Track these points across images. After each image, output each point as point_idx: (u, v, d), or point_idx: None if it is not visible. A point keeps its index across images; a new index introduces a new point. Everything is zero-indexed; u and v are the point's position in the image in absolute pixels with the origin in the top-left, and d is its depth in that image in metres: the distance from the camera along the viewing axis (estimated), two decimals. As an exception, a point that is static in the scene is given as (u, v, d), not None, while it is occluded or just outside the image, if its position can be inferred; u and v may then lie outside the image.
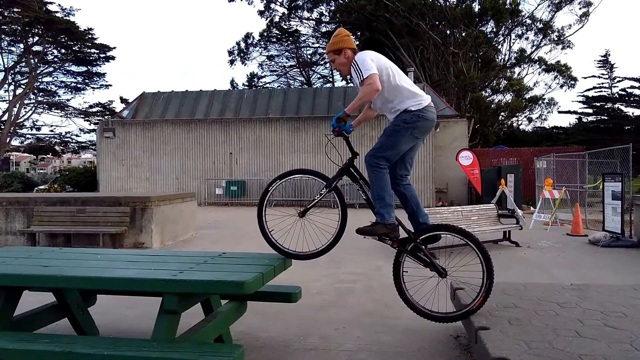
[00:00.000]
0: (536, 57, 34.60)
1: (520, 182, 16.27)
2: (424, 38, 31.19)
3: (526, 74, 36.71)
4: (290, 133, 20.76)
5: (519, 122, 39.23)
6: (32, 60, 31.81)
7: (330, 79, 44.01)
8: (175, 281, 2.84)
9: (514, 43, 34.46)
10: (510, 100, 33.76)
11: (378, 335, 4.02)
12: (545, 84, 42.33)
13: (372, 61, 3.42)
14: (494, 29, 32.78)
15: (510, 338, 2.90)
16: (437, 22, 31.85)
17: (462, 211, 8.63)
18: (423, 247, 3.62)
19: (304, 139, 20.62)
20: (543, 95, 35.90)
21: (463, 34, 30.62)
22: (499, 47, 34.30)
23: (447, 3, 30.83)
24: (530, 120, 38.61)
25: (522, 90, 33.79)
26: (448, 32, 32.09)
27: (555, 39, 33.13)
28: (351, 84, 40.31)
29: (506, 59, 34.93)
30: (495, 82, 35.27)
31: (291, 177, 3.73)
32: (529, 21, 32.56)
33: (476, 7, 30.77)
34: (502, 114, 34.72)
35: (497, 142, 32.66)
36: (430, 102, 3.57)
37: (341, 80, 43.85)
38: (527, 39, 34.15)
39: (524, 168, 18.71)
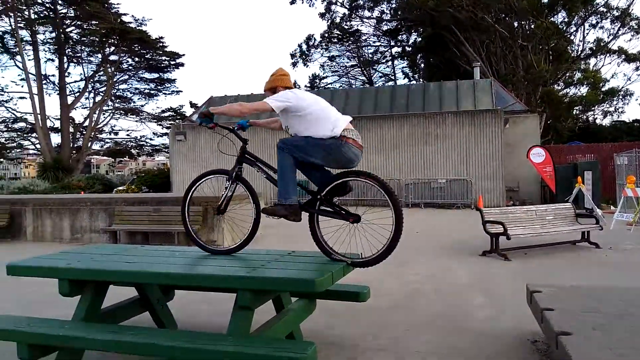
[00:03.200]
0: (615, 47, 32.43)
1: (598, 180, 15.33)
2: (490, 31, 30.10)
3: (602, 65, 34.53)
4: (353, 133, 20.72)
5: (595, 116, 36.96)
6: (109, 69, 33.87)
7: (392, 77, 43.56)
8: (249, 278, 2.93)
9: (587, 33, 32.56)
10: (585, 94, 31.86)
11: (449, 338, 3.93)
12: (625, 75, 39.49)
13: (290, 100, 3.41)
14: (566, 19, 31.08)
15: (594, 344, 2.74)
16: (503, 15, 30.64)
17: (537, 210, 8.26)
18: (328, 199, 3.48)
19: (366, 138, 20.51)
20: (620, 87, 33.58)
21: (532, 26, 29.25)
22: (572, 37, 32.49)
23: (515, -6, 29.58)
24: (606, 114, 36.25)
25: (597, 82, 31.77)
26: (515, 24, 30.78)
27: (635, 26, 30.87)
28: (413, 81, 39.76)
29: (579, 50, 33.03)
30: (568, 74, 33.41)
31: (204, 180, 3.86)
32: (604, 9, 30.60)
33: (546, -3, 29.34)
34: (577, 108, 32.83)
35: (572, 138, 30.92)
36: (359, 144, 3.45)
37: (403, 78, 43.31)
38: (602, 27, 32.12)
39: (602, 165, 17.62)
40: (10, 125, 34.04)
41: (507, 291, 5.48)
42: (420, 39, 38.82)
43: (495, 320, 4.38)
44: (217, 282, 3.07)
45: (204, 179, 3.89)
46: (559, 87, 33.12)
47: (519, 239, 7.59)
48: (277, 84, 3.71)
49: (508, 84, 28.53)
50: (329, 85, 43.20)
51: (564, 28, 31.46)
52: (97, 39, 32.21)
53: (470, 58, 29.80)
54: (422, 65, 41.79)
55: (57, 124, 33.62)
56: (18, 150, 36.52)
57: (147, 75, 35.96)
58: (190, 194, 3.85)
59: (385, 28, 40.59)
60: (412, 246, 8.77)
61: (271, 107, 3.40)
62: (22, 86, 33.16)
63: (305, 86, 43.86)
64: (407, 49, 41.50)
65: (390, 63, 43.68)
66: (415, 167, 19.60)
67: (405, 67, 43.61)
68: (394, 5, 38.24)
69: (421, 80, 39.65)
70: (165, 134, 35.64)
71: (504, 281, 6.02)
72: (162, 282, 3.55)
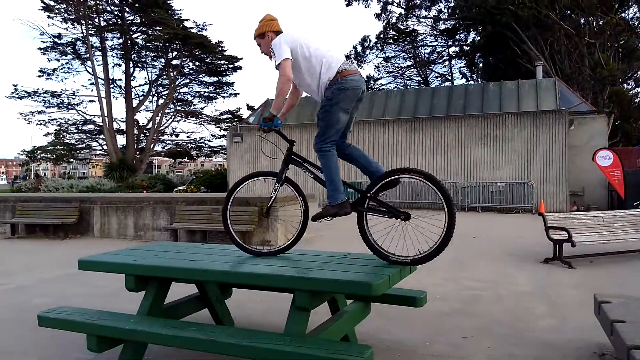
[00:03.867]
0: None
1: (673, 185, 14.32)
2: (554, 29, 28.82)
3: (680, 62, 32.16)
4: (407, 134, 20.48)
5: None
6: (171, 74, 35.24)
7: (449, 78, 42.65)
8: (307, 279, 2.95)
9: (663, 29, 30.47)
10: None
11: (511, 347, 3.80)
12: None
13: (286, 44, 3.40)
14: (637, 14, 29.29)
15: (672, 361, 2.56)
16: (568, 12, 29.24)
17: (604, 217, 7.82)
18: (377, 197, 3.47)
19: (421, 140, 20.22)
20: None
21: (600, 22, 27.75)
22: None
23: (582, -11, 28.16)
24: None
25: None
26: (582, 21, 29.32)
27: None
28: (471, 82, 38.71)
29: (653, 46, 30.97)
30: (639, 73, 31.45)
31: (249, 181, 3.90)
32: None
33: (616, -9, 27.76)
34: (649, 108, 30.81)
35: (643, 140, 29.06)
36: (352, 69, 3.45)
37: (461, 78, 42.33)
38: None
39: (678, 169, 16.44)
40: (80, 127, 36.17)
41: (571, 300, 5.23)
42: (479, 37, 37.80)
43: (558, 331, 4.20)
44: (274, 281, 3.12)
45: (249, 181, 3.94)
46: (629, 86, 31.26)
47: (585, 246, 7.22)
48: (266, 29, 3.63)
49: (573, 83, 27.21)
50: (384, 87, 42.88)
51: (636, 24, 29.65)
52: (160, 44, 33.61)
53: (532, 57, 28.69)
54: (481, 64, 40.67)
55: (123, 126, 35.38)
56: (86, 151, 38.65)
57: (206, 78, 37.11)
58: (232, 196, 3.86)
59: (442, 27, 39.86)
60: (469, 251, 8.55)
61: (287, 57, 3.37)
62: (92, 90, 35.19)
63: (360, 88, 43.62)
64: (465, 48, 40.53)
65: (447, 63, 42.85)
66: (472, 169, 19.09)
67: (463, 67, 42.65)
68: (452, 4, 37.48)
69: (479, 80, 38.60)
70: (223, 135, 36.60)
71: (567, 290, 5.75)
72: (221, 280, 3.65)
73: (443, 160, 19.62)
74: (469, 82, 38.50)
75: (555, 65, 29.97)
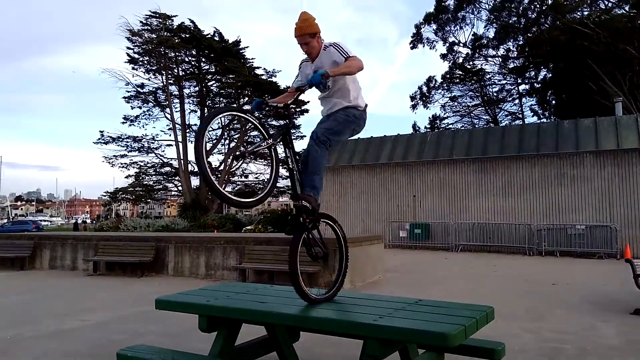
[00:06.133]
0: None
1: None
2: (633, 63, 27.41)
3: None
4: (477, 174, 19.94)
5: None
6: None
7: (520, 116, 41.36)
8: (378, 327, 2.88)
9: None
10: None
11: (600, 408, 3.47)
12: None
13: None
14: None
15: None
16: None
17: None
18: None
19: (492, 180, 19.59)
20: None
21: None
22: None
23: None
24: None
25: None
26: (665, 53, 27.69)
27: None
28: (544, 119, 37.30)
29: None
30: None
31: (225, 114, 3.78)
32: None
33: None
34: None
35: None
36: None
37: (532, 116, 40.95)
38: None
39: None
40: (158, 170, 38.44)
41: (671, 359, 4.73)
42: (550, 75, 36.66)
43: None
44: (344, 328, 3.08)
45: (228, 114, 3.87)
46: None
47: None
48: (318, 30, 3.51)
49: (658, 119, 25.47)
50: (450, 126, 42.25)
51: None
52: (233, 91, 35.44)
53: (610, 93, 27.32)
54: (554, 102, 39.23)
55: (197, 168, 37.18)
56: (163, 192, 40.83)
57: (274, 122, 38.40)
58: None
59: (511, 66, 39.05)
60: (548, 299, 8.04)
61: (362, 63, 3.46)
62: (170, 135, 37.30)
63: (425, 127, 43.39)
64: (536, 85, 39.37)
65: (517, 101, 41.67)
66: (548, 211, 18.16)
67: (534, 104, 41.25)
68: (520, 42, 36.77)
69: (553, 118, 37.15)
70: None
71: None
72: (291, 324, 3.65)
73: (515, 202, 18.85)
74: (542, 120, 37.16)
75: (636, 101, 28.33)
